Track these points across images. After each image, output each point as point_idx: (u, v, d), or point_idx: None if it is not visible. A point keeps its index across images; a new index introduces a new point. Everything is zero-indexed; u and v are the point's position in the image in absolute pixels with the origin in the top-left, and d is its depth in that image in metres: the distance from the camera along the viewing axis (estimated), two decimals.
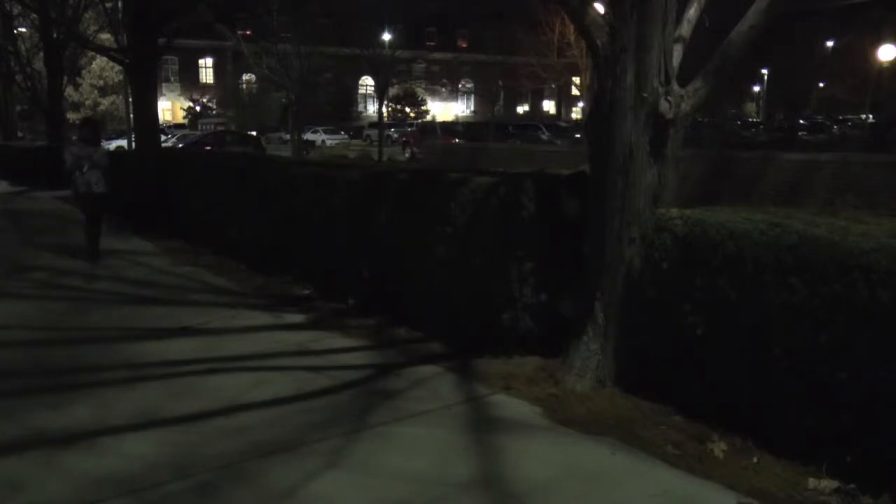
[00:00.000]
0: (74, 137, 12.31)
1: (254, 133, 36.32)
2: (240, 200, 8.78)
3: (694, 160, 13.14)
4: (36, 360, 5.40)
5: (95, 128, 9.76)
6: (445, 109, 66.93)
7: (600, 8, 4.81)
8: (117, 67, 29.63)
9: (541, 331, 5.13)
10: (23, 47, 25.15)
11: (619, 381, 4.65)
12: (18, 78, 25.25)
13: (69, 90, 36.22)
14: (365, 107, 65.22)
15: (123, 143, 30.74)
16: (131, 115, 20.39)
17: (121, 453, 3.83)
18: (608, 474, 3.64)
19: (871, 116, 41.41)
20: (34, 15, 22.43)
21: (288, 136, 35.27)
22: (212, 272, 8.39)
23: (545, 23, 33.47)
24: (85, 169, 8.93)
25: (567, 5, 4.94)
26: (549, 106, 71.29)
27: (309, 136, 39.77)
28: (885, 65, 40.21)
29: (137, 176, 12.24)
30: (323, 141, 43.99)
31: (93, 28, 25.13)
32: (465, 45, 67.57)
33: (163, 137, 23.71)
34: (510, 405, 4.49)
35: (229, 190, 9.06)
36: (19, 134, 35.35)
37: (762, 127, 43.86)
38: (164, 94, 53.25)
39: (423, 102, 60.54)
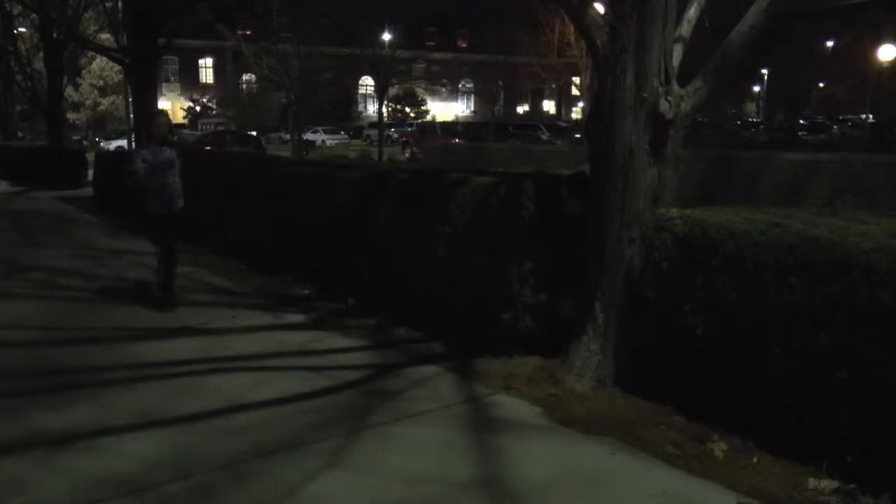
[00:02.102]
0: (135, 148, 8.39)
1: (254, 133, 36.33)
2: (240, 200, 8.78)
3: (694, 160, 13.14)
4: (36, 360, 5.39)
5: (171, 124, 7.33)
6: (445, 109, 66.92)
7: (600, 8, 4.81)
8: (117, 67, 29.64)
9: (541, 331, 5.13)
10: (23, 47, 25.18)
11: (619, 381, 4.65)
12: (18, 78, 25.28)
13: (69, 90, 36.24)
14: (365, 107, 65.21)
15: (123, 143, 30.78)
16: (131, 115, 20.39)
17: (121, 453, 3.83)
18: (608, 474, 3.64)
19: (871, 116, 41.41)
20: (34, 15, 22.45)
21: (288, 136, 35.28)
22: (212, 272, 8.38)
23: (545, 23, 33.45)
24: (169, 182, 6.65)
25: (567, 5, 4.94)
26: (549, 106, 71.27)
27: (309, 136, 39.77)
28: (885, 65, 40.21)
29: None
30: (323, 141, 43.99)
31: (93, 28, 25.17)
32: (465, 45, 67.51)
33: None
34: (510, 405, 4.49)
35: (229, 190, 9.06)
36: (19, 134, 35.35)
37: (762, 127, 43.86)
38: (164, 94, 53.18)
39: (423, 102, 60.52)
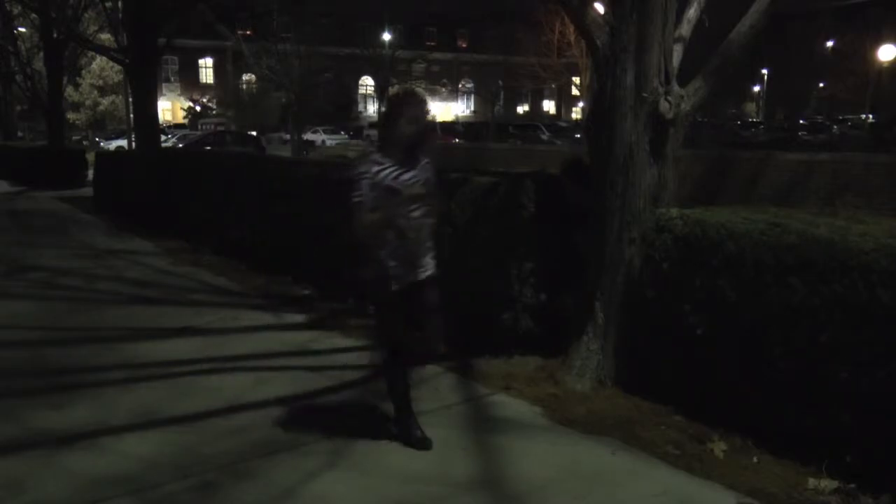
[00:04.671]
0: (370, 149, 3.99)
1: (254, 133, 36.31)
2: (240, 200, 8.78)
3: (694, 160, 13.14)
4: (36, 360, 5.39)
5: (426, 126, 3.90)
6: (445, 109, 66.88)
7: (600, 8, 4.81)
8: (117, 67, 29.62)
9: (541, 331, 5.12)
10: (23, 47, 25.16)
11: (619, 380, 4.65)
12: (18, 78, 25.26)
13: (69, 90, 36.19)
14: (365, 107, 65.12)
15: (123, 143, 30.79)
16: (131, 115, 20.39)
17: (121, 453, 3.83)
18: (608, 474, 3.64)
19: (871, 116, 41.42)
20: (34, 15, 22.43)
21: (288, 136, 35.28)
22: (212, 272, 8.38)
23: (545, 23, 33.51)
24: (416, 224, 3.63)
25: (567, 5, 4.95)
26: (549, 106, 71.23)
27: (309, 136, 39.72)
28: (885, 65, 40.24)
29: (137, 176, 12.25)
30: (323, 141, 43.89)
31: (93, 28, 25.13)
32: (465, 45, 67.50)
33: (163, 137, 23.69)
34: (510, 405, 4.49)
35: (229, 190, 9.06)
36: (19, 134, 35.36)
37: (762, 127, 43.88)
38: (164, 94, 53.07)
39: None
